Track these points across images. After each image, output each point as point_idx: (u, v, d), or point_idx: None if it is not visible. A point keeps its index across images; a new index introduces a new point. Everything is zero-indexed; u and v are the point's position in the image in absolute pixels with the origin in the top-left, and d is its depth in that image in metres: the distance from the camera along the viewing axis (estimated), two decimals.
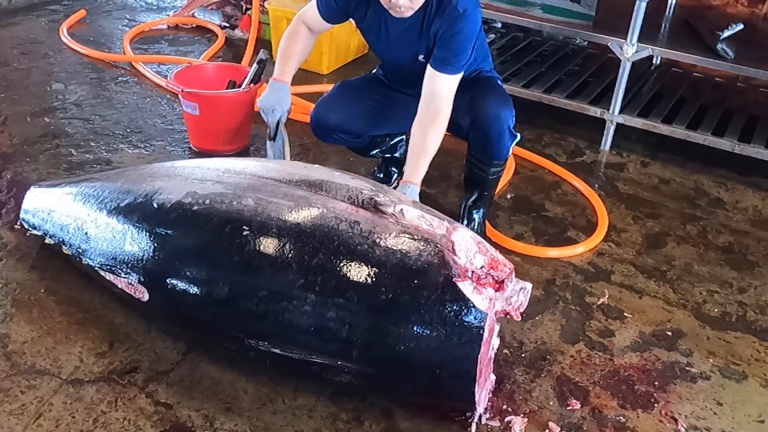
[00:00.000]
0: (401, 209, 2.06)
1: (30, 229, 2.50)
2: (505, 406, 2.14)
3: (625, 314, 2.55)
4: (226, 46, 4.55)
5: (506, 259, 2.10)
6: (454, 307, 1.86)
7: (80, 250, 2.28)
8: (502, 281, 2.11)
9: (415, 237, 1.95)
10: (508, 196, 3.18)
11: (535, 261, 2.78)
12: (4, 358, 2.16)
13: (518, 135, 2.73)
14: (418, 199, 2.37)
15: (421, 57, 2.59)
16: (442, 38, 2.45)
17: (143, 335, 2.27)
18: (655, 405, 2.19)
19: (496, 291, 2.11)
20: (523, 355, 2.34)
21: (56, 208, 2.40)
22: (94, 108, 3.65)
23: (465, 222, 2.81)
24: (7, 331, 2.26)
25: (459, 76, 2.50)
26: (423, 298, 1.87)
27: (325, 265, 1.92)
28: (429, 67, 2.49)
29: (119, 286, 2.20)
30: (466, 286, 1.87)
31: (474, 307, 1.86)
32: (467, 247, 2.01)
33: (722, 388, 2.27)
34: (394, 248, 1.92)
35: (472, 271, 2.07)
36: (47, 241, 2.43)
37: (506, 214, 3.07)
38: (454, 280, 1.88)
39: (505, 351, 2.33)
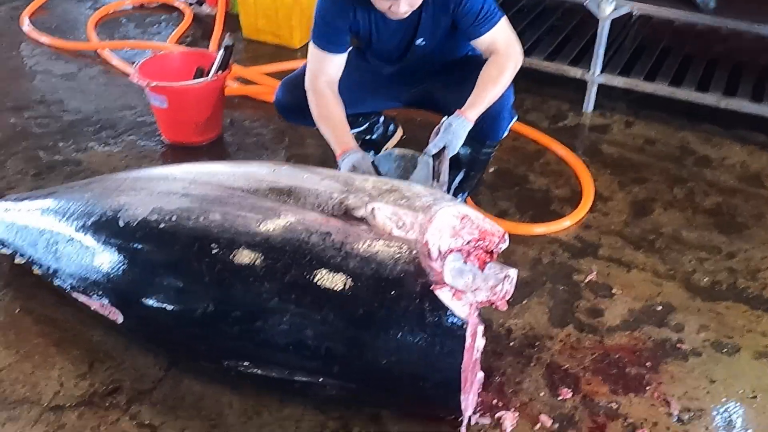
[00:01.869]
0: (372, 209, 1.98)
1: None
2: (495, 401, 2.10)
3: (614, 291, 2.51)
4: (194, 24, 4.40)
5: (496, 224, 2.05)
6: (433, 317, 1.80)
7: (51, 271, 2.22)
8: (492, 251, 2.06)
9: (389, 244, 1.89)
10: (491, 170, 3.10)
11: (520, 240, 2.72)
12: None
13: (516, 115, 2.65)
14: (464, 135, 2.36)
15: (419, 41, 2.52)
16: (462, 7, 2.39)
17: (123, 352, 2.23)
18: (647, 388, 2.16)
19: (488, 261, 2.06)
20: (511, 344, 2.30)
21: (23, 226, 2.32)
22: (62, 103, 3.54)
23: None
24: None
25: (503, 21, 2.45)
26: (400, 309, 1.82)
27: (298, 282, 1.86)
28: (475, 41, 2.46)
29: (93, 308, 2.15)
30: (444, 294, 1.82)
31: (453, 315, 1.80)
32: (449, 230, 1.96)
33: (714, 364, 2.24)
34: (368, 259, 1.85)
35: (459, 249, 2.03)
36: (17, 260, 2.36)
37: (489, 190, 3.00)
38: (431, 288, 1.82)
39: (493, 341, 2.29)
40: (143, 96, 3.53)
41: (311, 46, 2.50)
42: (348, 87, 2.63)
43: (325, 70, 2.49)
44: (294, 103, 2.63)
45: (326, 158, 3.03)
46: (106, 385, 2.13)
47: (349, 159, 2.34)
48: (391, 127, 3.10)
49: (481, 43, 2.46)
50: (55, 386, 2.12)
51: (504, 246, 2.06)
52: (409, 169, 2.38)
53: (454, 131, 2.37)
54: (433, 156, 2.38)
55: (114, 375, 2.16)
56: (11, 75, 3.81)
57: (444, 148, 2.37)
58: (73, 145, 3.21)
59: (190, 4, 4.53)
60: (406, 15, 2.34)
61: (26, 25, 4.28)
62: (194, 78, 3.18)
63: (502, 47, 2.45)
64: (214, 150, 3.22)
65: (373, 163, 2.35)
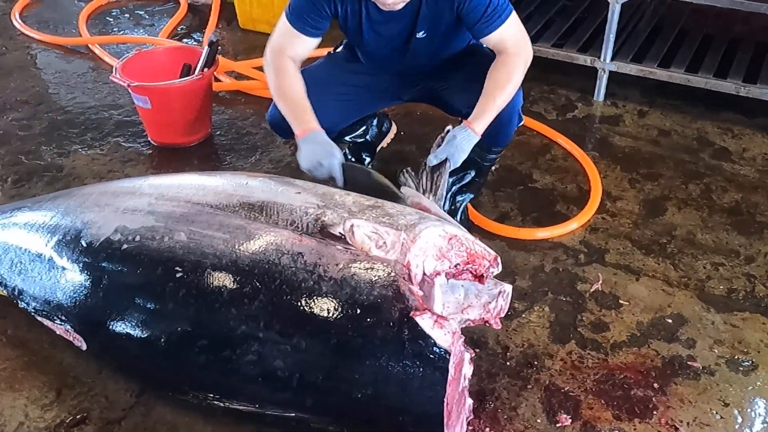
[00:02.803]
0: (351, 226, 1.83)
1: None
2: (487, 429, 1.95)
3: (621, 301, 2.33)
4: (190, 14, 4.25)
5: (488, 247, 1.92)
6: (413, 347, 1.65)
7: (16, 293, 2.09)
8: (481, 275, 1.92)
9: (366, 267, 1.73)
10: (493, 168, 2.91)
11: (521, 245, 2.55)
12: None
13: (523, 118, 2.47)
14: (469, 149, 2.20)
15: (420, 33, 2.32)
16: (468, 1, 2.18)
17: (94, 377, 2.09)
18: (654, 412, 1.99)
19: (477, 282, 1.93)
20: (508, 363, 2.14)
21: None
22: (47, 103, 3.41)
23: (447, 208, 2.50)
24: None
25: (513, 16, 2.24)
26: (377, 338, 1.66)
27: (268, 308, 1.71)
28: (482, 39, 2.26)
29: (57, 333, 2.02)
30: (425, 321, 1.66)
31: (435, 344, 1.65)
32: (435, 251, 1.82)
33: (728, 385, 2.06)
34: (342, 283, 1.70)
35: (446, 272, 1.89)
36: None
37: (490, 189, 2.82)
38: (411, 314, 1.66)
39: (488, 360, 2.13)
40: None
41: (283, 20, 2.31)
42: (341, 101, 2.46)
43: (293, 49, 2.30)
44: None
45: None
46: (73, 414, 2.00)
47: (313, 149, 2.19)
48: (386, 124, 2.93)
49: (488, 41, 2.27)
50: (20, 416, 2.00)
51: (496, 271, 1.91)
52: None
53: (458, 144, 2.20)
54: (432, 167, 2.22)
55: (83, 403, 2.03)
56: None
57: (446, 160, 2.20)
58: (55, 149, 3.08)
59: None
60: (399, 6, 2.15)
61: (16, 20, 4.14)
62: (181, 75, 3.03)
63: (512, 46, 2.25)
64: (203, 151, 3.07)
65: (344, 167, 2.19)
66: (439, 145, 2.25)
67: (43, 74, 3.70)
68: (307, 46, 2.32)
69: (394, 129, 2.99)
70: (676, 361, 2.13)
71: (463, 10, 2.22)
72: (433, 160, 2.21)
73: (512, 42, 2.26)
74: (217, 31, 2.95)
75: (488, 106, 2.21)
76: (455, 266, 1.86)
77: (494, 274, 1.89)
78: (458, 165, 2.23)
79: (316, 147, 2.20)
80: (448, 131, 2.27)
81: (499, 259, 1.89)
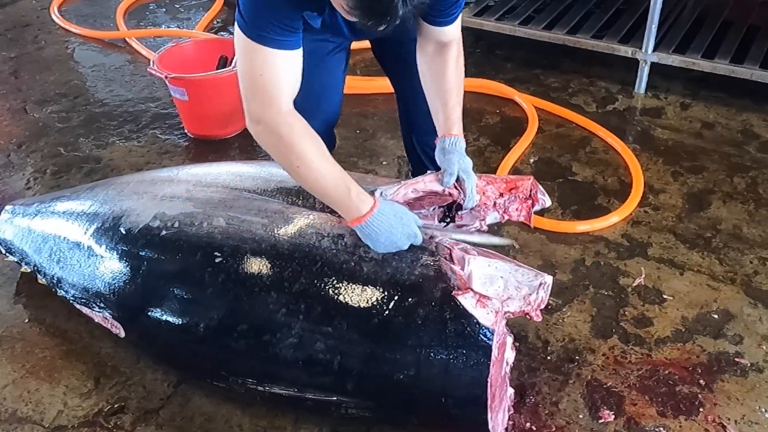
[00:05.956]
0: (381, 192, 1.80)
1: (6, 254, 2.31)
2: (528, 424, 1.90)
3: (665, 296, 2.27)
4: (225, 7, 4.26)
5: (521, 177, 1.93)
6: (456, 326, 1.62)
7: (54, 281, 2.10)
8: (531, 197, 1.92)
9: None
10: (531, 161, 2.88)
11: (561, 238, 2.50)
12: None
13: None
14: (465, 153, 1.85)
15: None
16: None
17: (131, 367, 2.09)
18: (700, 409, 1.93)
19: (532, 208, 1.92)
20: (548, 357, 2.09)
21: (28, 233, 2.20)
22: (85, 96, 3.44)
23: None
24: None
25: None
26: (419, 318, 1.64)
27: (308, 290, 1.70)
28: (428, 26, 1.83)
29: (96, 321, 2.02)
30: (467, 300, 1.62)
31: (478, 323, 1.61)
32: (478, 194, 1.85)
33: None
34: (384, 263, 1.69)
35: (495, 202, 1.88)
36: (23, 269, 2.26)
37: None
38: (453, 293, 1.63)
39: (528, 355, 2.09)
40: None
41: (243, 45, 1.60)
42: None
43: (279, 89, 1.61)
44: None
45: (356, 149, 2.89)
46: (111, 403, 1.99)
47: (388, 237, 1.68)
48: None
49: (434, 34, 1.86)
50: (59, 405, 2.00)
51: (547, 201, 1.92)
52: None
53: (458, 152, 1.84)
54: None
55: (120, 392, 2.02)
56: (37, 67, 3.72)
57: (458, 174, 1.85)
58: (93, 141, 3.09)
59: None
60: None
61: (54, 15, 4.19)
62: (217, 67, 3.03)
63: (455, 43, 1.90)
64: (239, 143, 3.07)
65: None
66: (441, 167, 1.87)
67: (81, 67, 3.73)
68: (293, 67, 1.64)
69: None
70: (722, 358, 2.07)
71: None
72: (449, 181, 1.82)
73: (456, 37, 1.91)
74: None
75: (458, 109, 1.90)
76: (500, 194, 1.86)
77: (546, 203, 1.90)
78: (471, 168, 1.87)
79: (392, 217, 1.70)
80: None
81: (536, 182, 1.90)
